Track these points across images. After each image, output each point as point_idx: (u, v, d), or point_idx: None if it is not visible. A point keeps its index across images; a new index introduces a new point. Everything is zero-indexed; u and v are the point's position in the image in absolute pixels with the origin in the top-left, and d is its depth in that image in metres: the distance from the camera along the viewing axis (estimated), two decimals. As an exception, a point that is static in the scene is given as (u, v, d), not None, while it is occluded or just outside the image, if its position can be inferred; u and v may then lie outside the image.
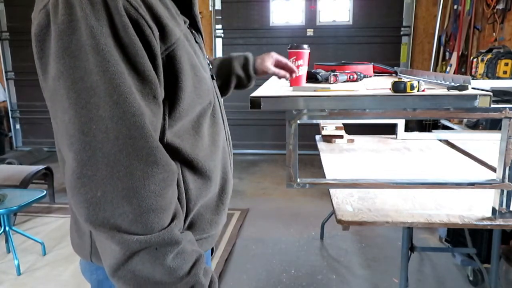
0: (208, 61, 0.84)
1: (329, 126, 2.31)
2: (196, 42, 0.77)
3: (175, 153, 0.68)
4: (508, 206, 1.16)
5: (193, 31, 0.78)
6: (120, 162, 0.56)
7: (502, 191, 1.14)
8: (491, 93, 1.02)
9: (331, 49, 5.03)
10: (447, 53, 4.47)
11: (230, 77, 1.08)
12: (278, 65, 1.13)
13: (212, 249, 0.95)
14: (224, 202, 0.82)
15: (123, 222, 0.57)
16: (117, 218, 0.57)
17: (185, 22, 0.74)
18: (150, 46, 0.60)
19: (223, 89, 1.10)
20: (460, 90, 1.07)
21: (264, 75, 1.14)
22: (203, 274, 0.64)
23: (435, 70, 4.58)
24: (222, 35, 5.23)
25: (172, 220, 0.62)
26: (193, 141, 0.71)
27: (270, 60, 1.11)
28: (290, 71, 1.15)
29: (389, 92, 1.08)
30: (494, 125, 2.81)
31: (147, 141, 0.58)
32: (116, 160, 0.56)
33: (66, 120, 0.57)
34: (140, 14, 0.59)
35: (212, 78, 0.83)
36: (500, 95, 1.14)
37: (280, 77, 1.15)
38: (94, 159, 0.56)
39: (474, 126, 3.20)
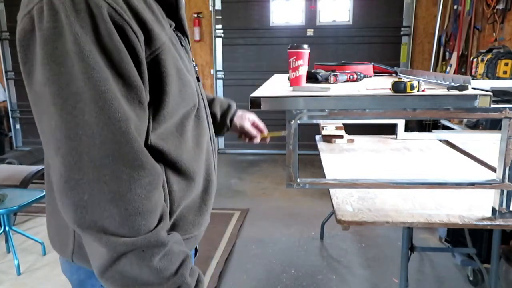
0: (194, 63, 0.84)
1: (329, 126, 2.31)
2: (182, 45, 0.77)
3: (159, 155, 0.69)
4: (508, 206, 1.15)
5: (179, 34, 0.78)
6: (107, 167, 0.57)
7: (502, 191, 1.14)
8: (491, 93, 1.02)
9: (331, 49, 5.03)
10: (447, 53, 4.47)
11: None
12: (254, 125, 1.18)
13: (196, 249, 0.95)
14: (207, 203, 0.83)
15: (110, 224, 0.58)
16: (104, 221, 0.58)
17: (170, 25, 0.74)
18: (135, 51, 0.61)
19: None
20: (460, 90, 1.07)
21: (235, 131, 1.17)
22: (190, 274, 0.65)
23: (435, 70, 4.58)
24: (222, 35, 5.23)
25: (159, 222, 0.63)
26: (177, 143, 0.72)
27: (250, 117, 1.16)
28: (261, 133, 1.21)
29: (389, 92, 1.08)
30: (494, 125, 2.81)
31: (132, 146, 0.59)
32: (103, 164, 0.57)
33: (52, 125, 0.57)
34: (125, 20, 0.59)
35: (198, 81, 0.83)
36: (500, 95, 1.14)
37: (249, 137, 1.19)
38: (81, 164, 0.57)
39: (474, 126, 3.19)
